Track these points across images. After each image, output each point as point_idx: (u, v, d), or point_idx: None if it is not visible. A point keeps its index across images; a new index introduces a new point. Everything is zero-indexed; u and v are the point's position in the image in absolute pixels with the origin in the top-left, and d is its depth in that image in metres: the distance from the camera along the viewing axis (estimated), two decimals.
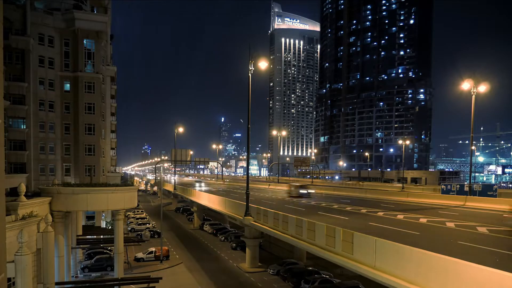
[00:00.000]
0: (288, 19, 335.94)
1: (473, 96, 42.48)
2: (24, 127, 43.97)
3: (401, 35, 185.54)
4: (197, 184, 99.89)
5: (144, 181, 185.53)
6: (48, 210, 27.44)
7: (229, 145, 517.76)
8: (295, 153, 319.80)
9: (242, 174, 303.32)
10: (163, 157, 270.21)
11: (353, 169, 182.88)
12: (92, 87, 48.28)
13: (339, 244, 21.15)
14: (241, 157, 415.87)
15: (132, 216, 74.67)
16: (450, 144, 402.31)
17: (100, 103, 49.79)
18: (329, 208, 40.74)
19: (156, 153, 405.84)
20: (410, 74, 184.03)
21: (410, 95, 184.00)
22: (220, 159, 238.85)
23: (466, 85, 42.79)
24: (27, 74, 43.99)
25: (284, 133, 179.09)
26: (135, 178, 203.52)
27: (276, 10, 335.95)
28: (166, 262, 44.69)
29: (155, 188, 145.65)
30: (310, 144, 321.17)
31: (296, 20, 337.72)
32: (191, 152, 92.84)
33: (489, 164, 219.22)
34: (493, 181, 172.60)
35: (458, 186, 51.58)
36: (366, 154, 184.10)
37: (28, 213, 22.65)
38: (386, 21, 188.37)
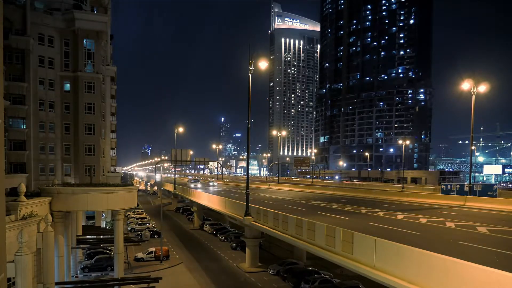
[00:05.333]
0: (288, 19, 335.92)
1: (473, 96, 42.49)
2: (24, 127, 43.96)
3: (401, 35, 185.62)
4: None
5: (144, 181, 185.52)
6: (48, 210, 27.44)
7: (229, 145, 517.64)
8: (295, 153, 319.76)
9: (242, 174, 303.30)
10: (163, 157, 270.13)
11: (353, 169, 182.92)
12: (92, 87, 48.29)
13: (339, 244, 21.15)
14: (241, 157, 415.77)
15: (132, 216, 74.64)
16: (450, 144, 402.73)
17: (100, 103, 49.79)
18: (329, 208, 40.73)
19: (156, 153, 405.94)
20: (410, 74, 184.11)
21: (410, 95, 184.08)
22: (220, 159, 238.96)
23: (466, 85, 42.79)
24: (27, 74, 44.00)
25: (284, 133, 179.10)
26: (135, 178, 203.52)
27: (276, 10, 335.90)
28: (166, 262, 44.69)
29: (155, 188, 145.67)
30: (310, 144, 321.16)
31: (296, 20, 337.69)
32: (191, 152, 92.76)
33: (489, 164, 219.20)
34: (493, 181, 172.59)
35: (458, 186, 51.56)
36: (366, 154, 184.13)
37: (28, 213, 22.66)
38: (386, 21, 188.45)
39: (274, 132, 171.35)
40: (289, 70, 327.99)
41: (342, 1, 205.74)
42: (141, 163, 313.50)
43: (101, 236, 45.81)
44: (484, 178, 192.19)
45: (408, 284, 15.68)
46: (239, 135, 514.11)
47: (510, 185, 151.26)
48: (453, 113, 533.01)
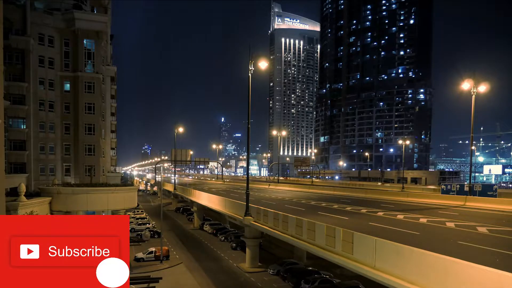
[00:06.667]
0: (288, 19, 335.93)
1: (473, 96, 42.49)
2: (24, 127, 43.99)
3: (401, 35, 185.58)
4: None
5: (144, 181, 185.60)
6: (48, 210, 27.47)
7: (229, 145, 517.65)
8: (295, 153, 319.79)
9: (242, 174, 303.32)
10: (163, 157, 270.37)
11: (353, 169, 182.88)
12: (92, 87, 48.31)
13: (339, 244, 21.16)
14: (241, 157, 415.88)
15: (132, 216, 74.57)
16: (450, 144, 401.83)
17: (100, 103, 49.82)
18: (329, 208, 40.74)
19: (156, 153, 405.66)
20: (410, 74, 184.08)
21: (410, 95, 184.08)
22: (220, 159, 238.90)
23: (466, 85, 42.79)
24: (27, 74, 44.03)
25: (284, 133, 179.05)
26: (135, 178, 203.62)
27: (276, 10, 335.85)
28: (166, 262, 44.65)
29: (155, 188, 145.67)
30: (310, 144, 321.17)
31: (296, 20, 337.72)
32: (191, 152, 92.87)
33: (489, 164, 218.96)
34: (493, 181, 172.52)
35: (458, 186, 51.57)
36: (366, 154, 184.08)
37: (28, 213, 22.66)
38: (386, 21, 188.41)
39: (274, 132, 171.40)
40: (289, 70, 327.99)
41: (342, 1, 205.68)
42: (141, 163, 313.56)
43: None
44: (484, 178, 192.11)
45: (408, 284, 15.68)
46: (239, 135, 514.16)
47: (510, 185, 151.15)
48: (453, 113, 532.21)
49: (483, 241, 21.27)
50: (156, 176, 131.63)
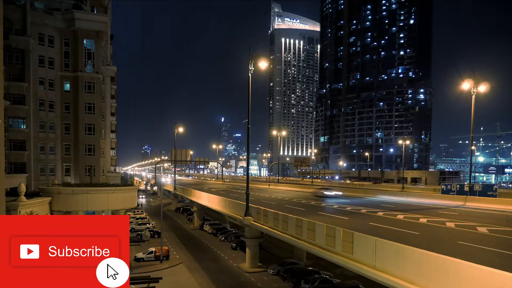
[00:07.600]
0: (288, 19, 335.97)
1: (473, 96, 42.49)
2: (24, 127, 44.01)
3: (401, 35, 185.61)
4: None
5: (144, 181, 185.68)
6: (48, 210, 27.48)
7: (229, 145, 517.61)
8: (295, 153, 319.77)
9: (242, 174, 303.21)
10: (163, 157, 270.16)
11: (353, 169, 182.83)
12: (92, 87, 48.33)
13: (339, 244, 21.15)
14: (241, 157, 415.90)
15: (132, 216, 74.55)
16: (450, 144, 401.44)
17: (100, 103, 49.84)
18: (329, 208, 40.74)
19: (156, 153, 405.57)
20: (410, 74, 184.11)
21: (410, 95, 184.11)
22: (220, 159, 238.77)
23: (466, 85, 42.79)
24: (27, 74, 44.07)
25: (284, 133, 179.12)
26: (135, 178, 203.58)
27: (276, 10, 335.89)
28: (166, 262, 44.65)
29: (155, 188, 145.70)
30: (310, 144, 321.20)
31: (296, 20, 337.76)
32: (191, 152, 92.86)
33: (489, 164, 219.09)
34: (493, 181, 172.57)
35: (458, 186, 51.57)
36: (366, 154, 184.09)
37: (28, 213, 22.66)
38: (386, 21, 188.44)
39: (274, 132, 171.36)
40: (289, 70, 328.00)
41: (342, 1, 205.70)
42: (141, 163, 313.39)
43: None
44: (484, 178, 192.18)
45: (408, 284, 15.67)
46: (239, 135, 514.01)
47: (510, 185, 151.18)
48: (453, 113, 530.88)
49: (483, 241, 21.26)
50: (156, 176, 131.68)
